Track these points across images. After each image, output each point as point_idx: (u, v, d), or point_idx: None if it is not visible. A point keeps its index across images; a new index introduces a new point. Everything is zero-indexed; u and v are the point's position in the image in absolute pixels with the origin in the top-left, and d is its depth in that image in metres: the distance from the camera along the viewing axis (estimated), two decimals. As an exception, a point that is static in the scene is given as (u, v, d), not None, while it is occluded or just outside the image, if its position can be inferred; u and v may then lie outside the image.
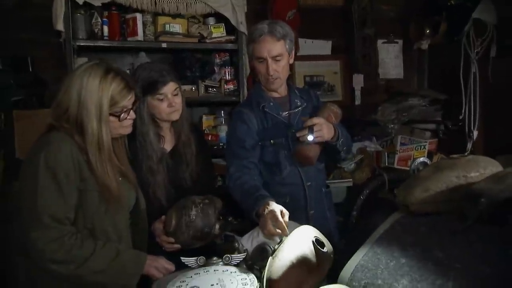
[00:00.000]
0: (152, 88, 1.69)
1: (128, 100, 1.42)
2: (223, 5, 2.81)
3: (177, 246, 1.54)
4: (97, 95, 1.35)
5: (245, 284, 1.18)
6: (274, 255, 1.23)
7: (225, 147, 2.24)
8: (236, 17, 2.84)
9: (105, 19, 2.65)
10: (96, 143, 1.36)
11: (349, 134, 1.91)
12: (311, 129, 1.67)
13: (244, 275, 1.24)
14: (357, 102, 3.53)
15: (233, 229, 1.58)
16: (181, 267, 1.37)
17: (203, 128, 3.00)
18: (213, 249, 1.48)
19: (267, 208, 1.45)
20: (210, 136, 2.96)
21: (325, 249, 1.28)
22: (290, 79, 2.09)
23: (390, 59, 3.61)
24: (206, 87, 2.93)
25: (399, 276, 1.07)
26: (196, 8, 2.80)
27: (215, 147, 2.84)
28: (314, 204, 1.87)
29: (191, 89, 2.88)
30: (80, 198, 1.35)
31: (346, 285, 1.15)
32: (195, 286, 1.19)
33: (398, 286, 1.05)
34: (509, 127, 2.77)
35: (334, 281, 1.21)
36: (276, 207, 1.44)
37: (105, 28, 2.65)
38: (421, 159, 1.90)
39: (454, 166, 1.29)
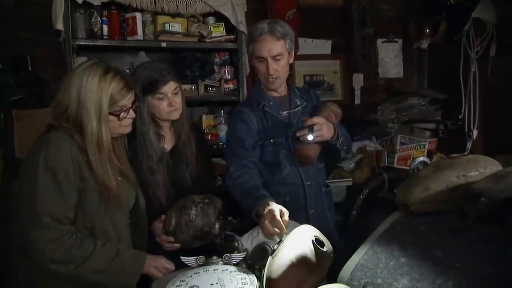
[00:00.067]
0: (152, 88, 1.69)
1: (127, 100, 1.41)
2: (223, 4, 2.81)
3: (177, 245, 1.54)
4: (97, 95, 1.35)
5: (244, 284, 1.18)
6: (274, 255, 1.23)
7: (225, 146, 2.24)
8: (235, 17, 2.84)
9: (104, 18, 2.65)
10: (96, 143, 1.36)
11: (349, 133, 1.91)
12: (311, 129, 1.67)
13: (244, 275, 1.24)
14: (357, 101, 3.53)
15: (233, 229, 1.59)
16: (181, 267, 1.37)
17: (203, 128, 3.00)
18: (213, 249, 1.48)
19: (266, 208, 1.45)
20: (209, 135, 2.96)
21: (325, 249, 1.28)
22: (290, 78, 2.09)
23: (390, 59, 3.61)
24: (206, 86, 2.93)
25: (399, 275, 1.07)
26: (195, 7, 2.80)
27: (214, 147, 2.84)
28: (314, 203, 1.87)
29: (191, 88, 2.88)
30: (80, 198, 1.35)
31: (346, 285, 1.15)
32: (195, 286, 1.19)
33: (398, 286, 1.05)
34: (509, 126, 2.77)
35: (334, 280, 1.21)
36: (276, 207, 1.44)
37: (105, 28, 2.65)
38: (421, 158, 1.90)
39: (454, 166, 1.29)
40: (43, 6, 2.53)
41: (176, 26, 2.78)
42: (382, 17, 3.51)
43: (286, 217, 1.42)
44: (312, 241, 1.27)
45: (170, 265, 1.43)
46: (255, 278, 1.22)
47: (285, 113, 1.86)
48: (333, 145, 1.79)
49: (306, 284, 1.18)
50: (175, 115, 1.76)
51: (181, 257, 1.35)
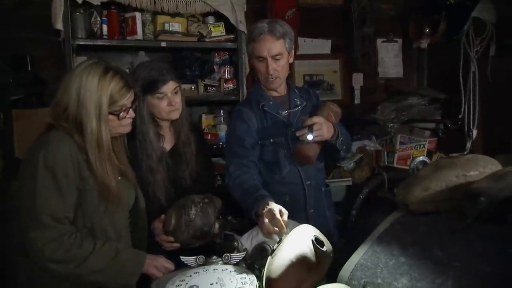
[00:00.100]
0: (152, 87, 1.69)
1: (127, 99, 1.41)
2: (223, 4, 2.81)
3: (177, 245, 1.54)
4: (96, 94, 1.35)
5: (244, 283, 1.18)
6: (273, 254, 1.23)
7: (224, 146, 2.24)
8: (235, 16, 2.83)
9: (104, 18, 2.65)
10: (96, 142, 1.36)
11: (349, 133, 1.91)
12: (310, 128, 1.67)
13: (244, 274, 1.24)
14: (357, 101, 3.53)
15: (233, 228, 1.59)
16: (181, 266, 1.37)
17: (202, 127, 2.99)
18: (212, 248, 1.48)
19: (266, 207, 1.45)
20: (209, 135, 2.96)
21: (324, 248, 1.28)
22: (290, 78, 2.09)
23: (390, 58, 3.61)
24: (206, 86, 2.92)
25: (399, 275, 1.07)
26: (195, 7, 2.79)
27: (214, 146, 2.84)
28: (313, 203, 1.87)
29: (191, 88, 2.87)
30: (79, 197, 1.35)
31: (346, 284, 1.15)
32: (195, 285, 1.19)
33: (397, 285, 1.05)
34: (509, 126, 2.77)
35: (333, 280, 1.21)
36: (275, 207, 1.44)
37: (104, 27, 2.65)
38: (421, 158, 1.90)
39: (454, 165, 1.29)
40: (42, 6, 2.53)
41: (176, 25, 2.78)
42: (382, 17, 3.51)
43: (286, 217, 1.42)
44: (312, 240, 1.27)
45: (170, 265, 1.43)
46: (255, 277, 1.22)
47: (284, 112, 1.86)
48: (332, 145, 1.79)
49: (305, 284, 1.18)
50: (175, 115, 1.76)
51: (181, 257, 1.35)
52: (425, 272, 1.04)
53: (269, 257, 1.23)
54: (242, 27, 2.85)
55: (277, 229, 1.37)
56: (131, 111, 1.45)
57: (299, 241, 1.27)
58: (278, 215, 1.39)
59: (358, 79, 3.50)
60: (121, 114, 1.41)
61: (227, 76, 2.97)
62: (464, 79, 3.05)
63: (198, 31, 2.84)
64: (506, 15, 2.84)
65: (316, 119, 1.70)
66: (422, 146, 3.12)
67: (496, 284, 0.94)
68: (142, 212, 1.58)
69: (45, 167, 1.29)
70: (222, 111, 3.07)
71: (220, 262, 1.34)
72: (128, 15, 2.70)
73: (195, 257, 1.34)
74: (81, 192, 1.35)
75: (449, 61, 3.19)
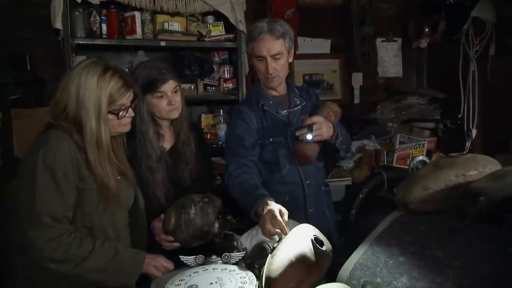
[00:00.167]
0: (151, 87, 1.69)
1: (126, 98, 1.41)
2: (222, 3, 2.81)
3: (176, 244, 1.54)
4: (96, 93, 1.34)
5: (244, 283, 1.18)
6: (273, 254, 1.23)
7: (224, 145, 2.24)
8: (235, 16, 2.83)
9: (103, 17, 2.65)
10: (95, 142, 1.36)
11: (348, 132, 1.91)
12: (310, 128, 1.67)
13: (243, 274, 1.24)
14: (356, 100, 3.53)
15: (232, 228, 1.59)
16: (180, 266, 1.37)
17: (202, 127, 2.99)
18: (212, 248, 1.48)
19: (266, 207, 1.45)
20: (209, 134, 2.95)
21: (324, 248, 1.28)
22: (289, 78, 2.09)
23: (389, 58, 3.61)
24: (205, 85, 2.92)
25: (398, 274, 1.07)
26: (195, 6, 2.79)
27: (214, 146, 2.84)
28: (313, 202, 1.87)
29: (190, 87, 2.87)
30: (79, 197, 1.35)
31: (345, 284, 1.15)
32: (194, 285, 1.19)
33: (397, 285, 1.05)
34: (508, 125, 2.77)
35: (333, 279, 1.21)
36: (275, 207, 1.44)
37: (104, 27, 2.64)
38: (420, 157, 1.91)
39: (453, 165, 1.29)
40: (42, 5, 2.53)
41: (175, 25, 2.78)
42: (381, 16, 3.51)
43: (286, 217, 1.42)
44: (312, 240, 1.27)
45: (169, 264, 1.43)
46: (254, 277, 1.22)
47: (284, 112, 1.86)
48: (332, 144, 1.79)
49: (305, 283, 1.18)
50: (175, 114, 1.75)
51: (180, 256, 1.35)
52: (424, 271, 1.04)
53: (269, 257, 1.23)
54: (242, 26, 2.85)
55: (278, 230, 1.38)
56: (130, 110, 1.45)
57: (298, 240, 1.27)
58: (278, 216, 1.39)
59: (357, 79, 3.50)
60: (121, 113, 1.41)
61: (226, 75, 2.97)
62: (463, 78, 3.06)
63: (198, 31, 2.83)
64: (506, 14, 2.84)
65: (315, 119, 1.70)
66: (421, 145, 3.12)
67: (495, 284, 0.94)
68: (141, 211, 1.58)
69: (44, 167, 1.29)
70: (221, 110, 3.07)
71: (220, 261, 1.33)
72: (127, 14, 2.70)
73: (194, 256, 1.34)
74: (80, 191, 1.35)
75: (448, 60, 3.19)
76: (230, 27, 2.89)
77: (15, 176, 1.36)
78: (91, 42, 2.61)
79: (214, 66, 3.00)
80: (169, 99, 1.71)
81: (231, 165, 1.74)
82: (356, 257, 1.21)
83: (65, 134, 1.34)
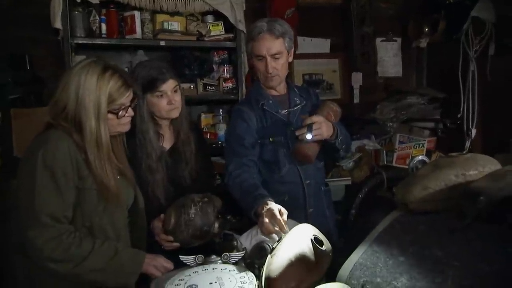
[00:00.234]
0: (151, 86, 1.69)
1: (126, 98, 1.41)
2: (222, 3, 2.81)
3: (176, 244, 1.53)
4: (95, 93, 1.34)
5: (243, 283, 1.18)
6: (272, 254, 1.23)
7: (223, 145, 2.24)
8: (234, 15, 2.83)
9: (103, 16, 2.65)
10: (95, 141, 1.35)
11: (348, 132, 1.91)
12: (310, 128, 1.67)
13: (243, 274, 1.24)
14: (356, 100, 3.53)
15: (232, 228, 1.58)
16: (180, 266, 1.37)
17: (202, 127, 2.99)
18: (212, 248, 1.48)
19: (265, 207, 1.45)
20: (208, 134, 2.95)
21: (323, 248, 1.28)
22: (289, 77, 2.09)
23: (389, 57, 3.60)
24: (205, 85, 2.92)
25: (398, 274, 1.07)
26: (194, 6, 2.79)
27: (213, 146, 2.84)
28: (313, 202, 1.87)
29: (190, 87, 2.87)
30: (78, 197, 1.35)
31: (345, 284, 1.15)
32: (194, 285, 1.19)
33: (397, 284, 1.05)
34: (508, 125, 2.77)
35: (332, 279, 1.21)
36: (275, 206, 1.44)
37: (103, 26, 2.64)
38: (420, 157, 1.90)
39: (453, 165, 1.29)
40: (41, 5, 2.53)
41: (175, 24, 2.77)
42: (381, 16, 3.51)
43: (285, 216, 1.42)
44: (311, 240, 1.27)
45: (169, 264, 1.43)
46: (254, 277, 1.22)
47: (284, 111, 1.86)
48: (332, 144, 1.79)
49: (305, 283, 1.17)
50: (175, 113, 1.75)
51: (180, 256, 1.35)
52: (424, 271, 1.04)
53: (269, 256, 1.23)
54: (241, 26, 2.85)
55: (277, 229, 1.37)
56: (130, 109, 1.45)
57: (298, 240, 1.27)
58: (278, 215, 1.39)
59: (357, 79, 3.50)
60: (120, 112, 1.41)
61: (226, 75, 2.97)
62: (463, 78, 3.05)
63: (197, 30, 2.83)
64: (505, 14, 2.84)
65: (315, 118, 1.69)
66: (421, 145, 3.12)
67: (495, 283, 0.94)
68: (141, 211, 1.58)
69: (43, 166, 1.29)
70: (221, 110, 3.07)
71: (219, 261, 1.33)
72: (127, 14, 2.70)
73: (194, 256, 1.34)
74: (80, 191, 1.35)
75: (448, 60, 3.18)
76: (229, 27, 2.89)
77: (15, 175, 1.36)
78: (90, 42, 2.61)
79: (214, 66, 3.00)
80: (169, 98, 1.71)
81: (231, 164, 1.74)
82: (355, 257, 1.21)
83: (64, 134, 1.34)
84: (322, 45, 3.49)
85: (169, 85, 1.71)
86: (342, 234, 2.06)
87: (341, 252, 1.32)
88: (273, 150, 1.82)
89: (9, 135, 2.36)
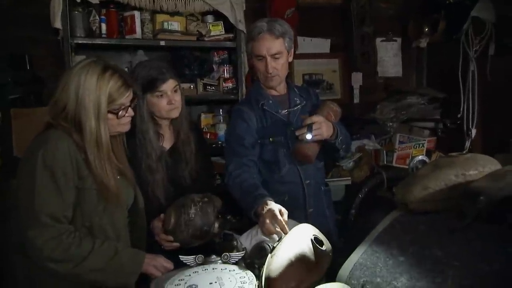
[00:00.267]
0: (151, 86, 1.69)
1: (126, 98, 1.41)
2: (222, 3, 2.81)
3: (176, 244, 1.53)
4: (95, 93, 1.34)
5: (243, 283, 1.18)
6: (272, 253, 1.23)
7: (223, 145, 2.24)
8: (234, 15, 2.83)
9: (103, 16, 2.64)
10: (95, 141, 1.35)
11: (348, 132, 1.91)
12: (310, 128, 1.67)
13: (243, 274, 1.24)
14: (356, 100, 3.53)
15: (232, 228, 1.58)
16: (180, 266, 1.37)
17: (202, 127, 2.99)
18: (212, 248, 1.48)
19: (265, 207, 1.45)
20: (208, 134, 2.95)
21: (324, 248, 1.28)
22: (289, 77, 2.09)
23: (389, 57, 3.60)
24: (205, 85, 2.92)
25: (398, 274, 1.07)
26: (194, 6, 2.79)
27: (213, 146, 2.84)
28: (313, 202, 1.87)
29: (190, 87, 2.87)
30: (78, 197, 1.35)
31: (345, 283, 1.15)
32: (194, 285, 1.19)
33: (397, 284, 1.05)
34: (508, 125, 2.77)
35: (332, 279, 1.21)
36: (275, 206, 1.44)
37: (103, 26, 2.64)
38: (420, 157, 1.90)
39: (453, 164, 1.29)
40: (41, 5, 2.53)
41: (175, 24, 2.77)
42: (381, 16, 3.51)
43: (285, 216, 1.42)
44: (311, 240, 1.27)
45: (169, 264, 1.43)
46: (254, 277, 1.22)
47: (284, 111, 1.86)
48: (332, 144, 1.78)
49: (305, 283, 1.17)
50: (175, 113, 1.75)
51: (180, 256, 1.35)
52: (424, 271, 1.04)
53: (269, 256, 1.23)
54: (241, 26, 2.85)
55: (278, 229, 1.37)
56: (130, 109, 1.45)
57: (298, 240, 1.27)
58: (278, 215, 1.39)
59: (357, 79, 3.50)
60: (120, 112, 1.41)
61: (226, 75, 2.97)
62: (463, 78, 3.06)
63: (197, 30, 2.83)
64: (505, 14, 2.84)
65: (315, 118, 1.69)
66: (421, 145, 3.12)
67: (495, 284, 0.94)
68: (141, 211, 1.57)
69: (43, 166, 1.28)
70: (221, 110, 3.07)
71: (219, 261, 1.33)
72: (127, 14, 2.70)
73: (194, 256, 1.33)
74: (79, 191, 1.35)
75: (448, 60, 3.19)
76: (229, 27, 2.89)
77: (15, 175, 1.36)
78: (90, 42, 2.61)
79: (214, 66, 3.00)
80: (169, 98, 1.71)
81: (231, 164, 1.74)
82: (355, 256, 1.21)
83: (64, 134, 1.34)
84: (322, 45, 3.49)
85: (169, 85, 1.71)
86: (342, 234, 2.06)
87: (341, 252, 1.32)
88: (273, 150, 1.82)
89: (9, 135, 2.36)
